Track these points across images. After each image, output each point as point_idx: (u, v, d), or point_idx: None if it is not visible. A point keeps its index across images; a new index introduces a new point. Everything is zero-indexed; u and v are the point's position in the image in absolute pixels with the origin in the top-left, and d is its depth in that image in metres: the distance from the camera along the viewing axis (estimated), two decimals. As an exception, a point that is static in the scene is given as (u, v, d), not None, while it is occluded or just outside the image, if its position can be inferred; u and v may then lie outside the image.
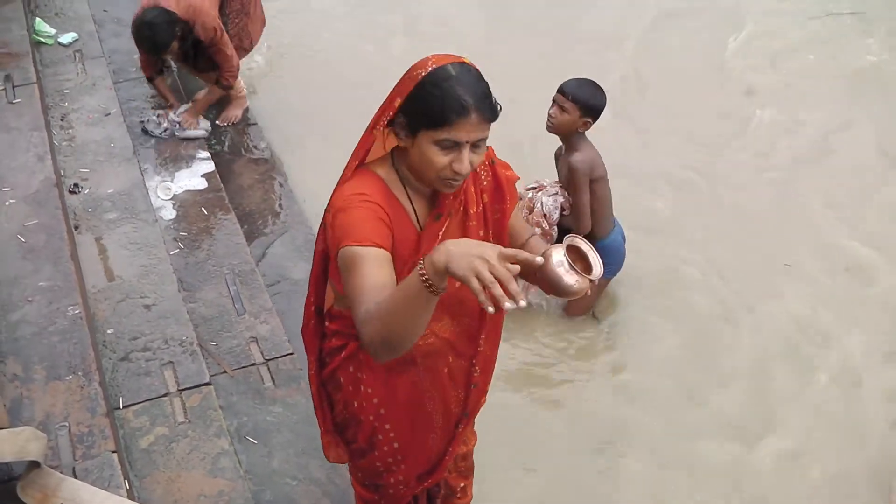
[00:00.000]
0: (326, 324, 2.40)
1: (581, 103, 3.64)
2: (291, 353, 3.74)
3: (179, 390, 3.43)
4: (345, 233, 1.93)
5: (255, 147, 5.36)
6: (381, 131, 2.03)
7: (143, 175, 4.68)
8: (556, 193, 3.95)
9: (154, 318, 3.74)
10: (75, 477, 2.92)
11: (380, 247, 1.91)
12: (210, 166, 4.93)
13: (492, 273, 1.53)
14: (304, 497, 3.20)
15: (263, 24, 5.53)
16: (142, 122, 5.09)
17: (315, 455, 3.32)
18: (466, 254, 1.55)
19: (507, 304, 1.51)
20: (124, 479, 2.98)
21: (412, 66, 1.95)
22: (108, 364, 3.49)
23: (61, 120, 4.99)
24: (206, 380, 3.49)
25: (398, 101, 1.94)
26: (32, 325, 3.42)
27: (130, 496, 2.95)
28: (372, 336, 1.73)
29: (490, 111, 1.91)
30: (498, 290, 1.52)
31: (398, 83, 1.97)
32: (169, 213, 4.56)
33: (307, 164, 5.34)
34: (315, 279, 2.37)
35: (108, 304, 3.78)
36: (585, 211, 3.84)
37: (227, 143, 5.35)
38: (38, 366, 3.26)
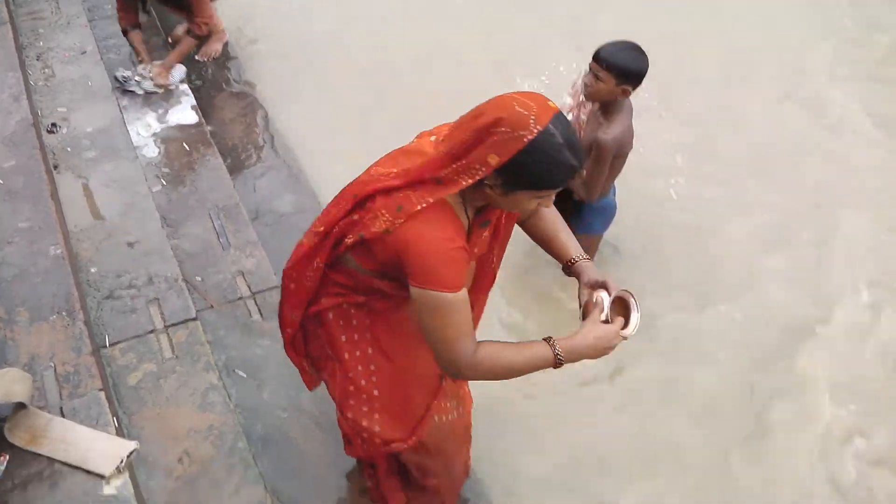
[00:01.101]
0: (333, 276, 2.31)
1: (616, 70, 3.31)
2: (278, 286, 3.68)
3: (166, 326, 3.40)
4: (436, 279, 1.95)
5: (236, 81, 5.28)
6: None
7: (122, 112, 4.60)
8: None
9: (138, 255, 3.69)
10: (63, 416, 2.90)
11: (464, 288, 1.99)
12: (191, 101, 4.84)
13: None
14: (295, 429, 3.19)
15: None
16: (118, 80, 4.94)
17: (305, 387, 3.30)
18: (602, 351, 2.04)
19: None
20: (112, 416, 2.96)
21: (504, 119, 1.81)
22: (92, 303, 3.46)
23: (36, 59, 4.90)
24: (193, 315, 3.46)
25: (495, 160, 1.84)
26: (14, 267, 3.37)
27: (119, 434, 2.94)
28: (477, 376, 2.06)
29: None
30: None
31: (488, 136, 1.82)
32: (150, 150, 4.49)
33: (287, 97, 5.25)
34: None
35: (91, 243, 3.74)
36: (598, 185, 3.66)
37: (207, 78, 5.25)
38: (21, 307, 3.22)
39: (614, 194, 3.95)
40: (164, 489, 2.90)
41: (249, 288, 3.70)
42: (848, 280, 4.21)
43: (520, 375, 2.05)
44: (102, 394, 3.01)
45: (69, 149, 4.27)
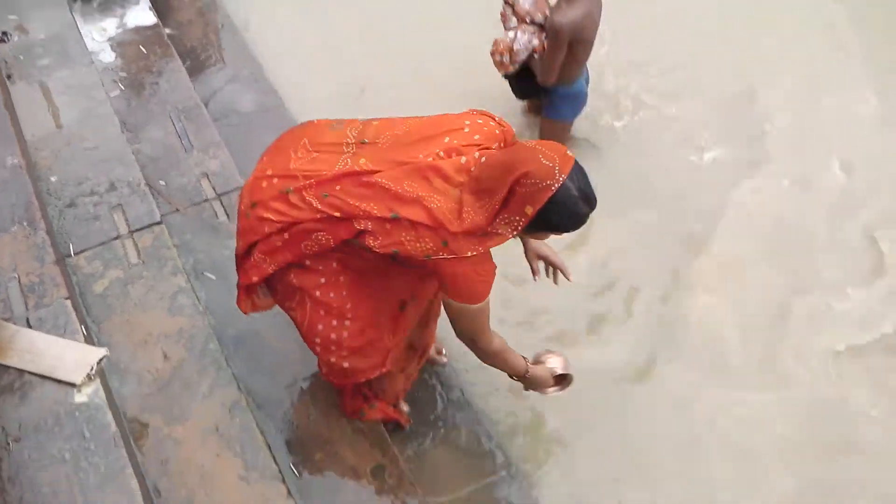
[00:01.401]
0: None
1: None
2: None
3: (131, 232, 3.35)
4: (474, 298, 2.28)
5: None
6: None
7: (74, 18, 4.45)
8: (534, 34, 3.68)
9: (98, 161, 3.62)
10: (29, 327, 2.89)
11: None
12: (146, 2, 4.69)
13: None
14: (267, 328, 3.16)
15: None
16: None
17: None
18: (538, 387, 2.73)
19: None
20: (81, 325, 2.94)
21: (532, 172, 2.04)
22: (54, 212, 3.40)
23: (-17, -34, 4.71)
24: (158, 219, 3.40)
25: (531, 210, 2.06)
26: (-30, 179, 3.31)
27: (89, 342, 2.93)
28: (484, 360, 2.55)
29: None
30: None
31: (519, 188, 2.05)
32: (106, 55, 4.35)
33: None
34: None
35: (50, 151, 3.65)
36: (553, 70, 3.63)
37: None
38: (-21, 220, 3.17)
39: (587, 82, 3.89)
40: (137, 394, 2.89)
41: (214, 189, 3.63)
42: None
43: (497, 369, 2.63)
44: (69, 302, 2.98)
45: (22, 57, 4.14)
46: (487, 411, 3.30)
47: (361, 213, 2.19)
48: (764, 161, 4.18)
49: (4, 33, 4.27)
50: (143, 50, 4.37)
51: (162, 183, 3.64)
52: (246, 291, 2.53)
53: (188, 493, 2.64)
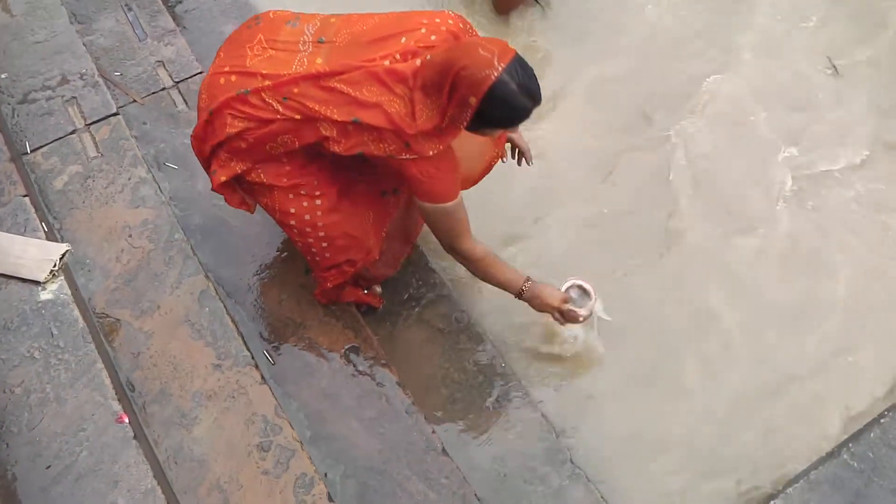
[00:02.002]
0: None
1: None
2: (201, 72, 3.53)
3: (87, 125, 3.25)
4: (442, 197, 2.34)
5: None
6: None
7: None
8: None
9: (49, 54, 3.48)
10: (-12, 227, 2.83)
11: (459, 192, 2.39)
12: None
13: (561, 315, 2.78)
14: (233, 216, 3.10)
15: None
16: None
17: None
18: (549, 305, 2.74)
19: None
20: (41, 222, 2.89)
21: (469, 64, 2.05)
22: (6, 110, 3.29)
23: None
24: (114, 110, 3.30)
25: (474, 101, 2.07)
26: (-88, 79, 3.19)
27: (51, 238, 2.88)
28: (468, 267, 2.62)
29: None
30: (562, 318, 2.80)
31: (460, 80, 2.06)
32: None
33: None
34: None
35: (-3, 47, 3.52)
36: None
37: None
38: (-73, 120, 3.07)
39: None
40: (104, 289, 2.85)
41: (171, 77, 3.52)
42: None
43: (491, 284, 2.69)
44: (27, 199, 2.92)
45: (-40, -52, 3.95)
46: (461, 287, 3.29)
47: (323, 117, 2.21)
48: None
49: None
50: (89, -66, 4.18)
51: (117, 74, 3.53)
52: (229, 189, 2.52)
53: (162, 385, 2.64)
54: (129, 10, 3.79)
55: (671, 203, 3.51)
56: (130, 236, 2.95)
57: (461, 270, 2.98)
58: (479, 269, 2.59)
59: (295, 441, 2.53)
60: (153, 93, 3.48)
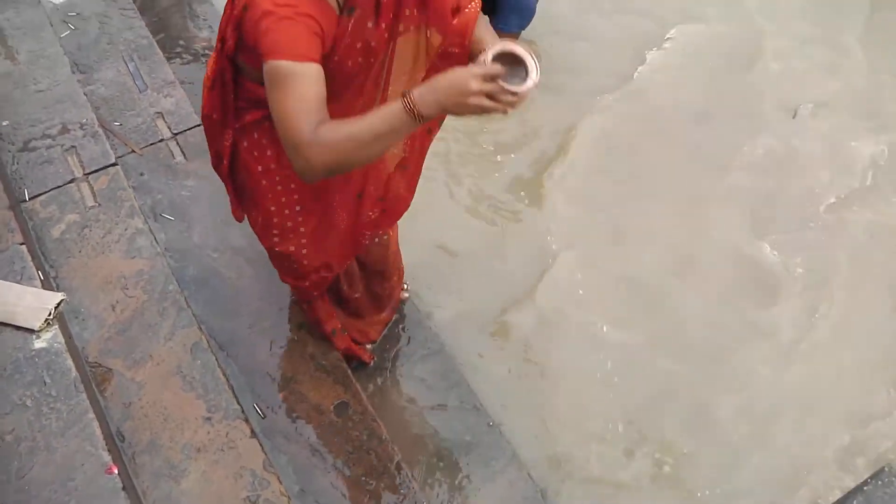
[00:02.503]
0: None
1: None
2: (200, 125, 3.58)
3: (86, 174, 3.30)
4: (276, 46, 1.77)
5: None
6: None
7: (20, -46, 4.32)
8: None
9: (50, 103, 3.54)
10: (-16, 273, 2.86)
11: (314, 61, 1.78)
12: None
13: (488, 97, 1.69)
14: (227, 268, 3.16)
15: None
16: None
17: (235, 224, 3.21)
18: (457, 96, 1.69)
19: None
20: (38, 270, 2.92)
21: None
22: (7, 157, 3.34)
23: None
24: (113, 160, 3.35)
25: None
26: (-83, 125, 3.24)
27: (47, 286, 2.91)
28: (325, 155, 1.73)
29: None
30: (503, 105, 1.72)
31: None
32: (55, -6, 4.24)
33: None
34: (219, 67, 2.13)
35: (0, 94, 3.57)
36: None
37: None
38: (-72, 166, 3.11)
39: None
40: (97, 338, 2.87)
41: (170, 129, 3.58)
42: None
43: (374, 143, 1.75)
44: (24, 247, 2.96)
45: (-33, -3, 4.03)
46: (453, 345, 3.32)
47: (222, 22, 2.00)
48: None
49: (-52, -28, 4.14)
50: (93, -13, 4.26)
51: (117, 124, 3.58)
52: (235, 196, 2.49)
53: (152, 436, 2.65)
54: (131, 60, 3.86)
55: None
56: (125, 287, 2.98)
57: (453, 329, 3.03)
58: (338, 143, 1.74)
59: (283, 496, 2.54)
60: (152, 143, 3.53)
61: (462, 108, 1.70)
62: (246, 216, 2.56)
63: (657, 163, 3.97)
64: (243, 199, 2.48)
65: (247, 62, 2.02)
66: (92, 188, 3.26)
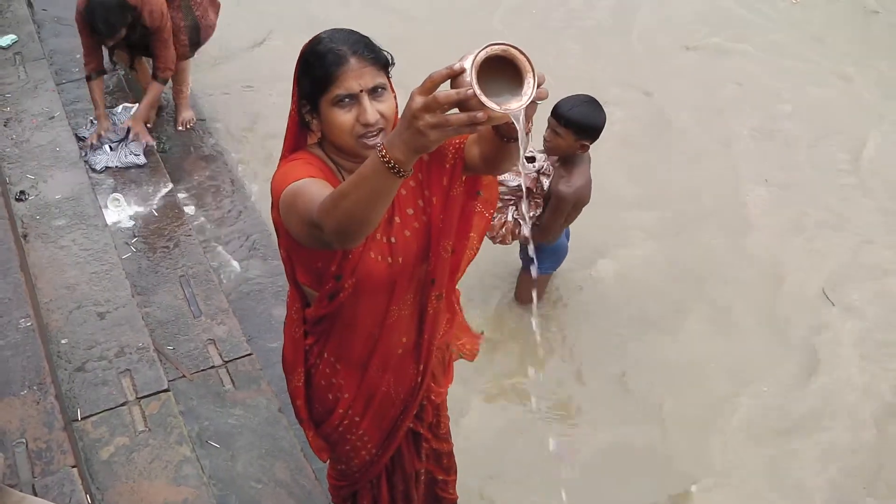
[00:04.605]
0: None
1: (575, 126, 3.44)
2: (250, 354, 3.71)
3: (138, 398, 3.39)
4: (283, 181, 1.96)
5: (203, 143, 5.28)
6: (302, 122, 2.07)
7: (90, 179, 4.60)
8: (535, 207, 3.77)
9: (108, 325, 3.69)
10: (35, 494, 2.90)
11: (318, 178, 1.95)
12: (159, 164, 4.87)
13: (441, 117, 1.44)
14: (269, 499, 3.19)
15: (218, 7, 5.32)
16: (83, 153, 4.85)
17: (279, 456, 3.33)
18: (407, 121, 1.48)
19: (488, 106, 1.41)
20: (85, 493, 2.96)
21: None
22: (63, 375, 3.44)
23: (4, 125, 4.89)
24: (165, 386, 3.45)
25: (294, 87, 2.02)
26: (-16, 341, 3.36)
27: (93, 509, 2.93)
28: (325, 221, 1.73)
29: (370, 52, 1.93)
30: (460, 119, 1.44)
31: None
32: (120, 217, 4.49)
33: (255, 158, 5.30)
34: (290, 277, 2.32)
35: (61, 313, 3.72)
36: (555, 232, 3.84)
37: (174, 142, 5.26)
38: (-9, 382, 3.21)
39: (567, 237, 4.08)
40: (139, 566, 2.87)
41: (221, 356, 3.70)
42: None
43: (361, 199, 1.63)
44: (75, 470, 3.01)
45: (38, 217, 4.26)
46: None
47: None
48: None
49: (22, 192, 4.40)
50: (156, 213, 4.51)
51: (170, 347, 3.71)
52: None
53: None
54: (187, 286, 4.04)
55: None
56: (170, 514, 3.01)
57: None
58: (332, 207, 1.70)
59: None
60: (202, 370, 3.64)
61: (418, 135, 1.48)
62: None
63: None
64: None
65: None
66: (143, 412, 3.34)
